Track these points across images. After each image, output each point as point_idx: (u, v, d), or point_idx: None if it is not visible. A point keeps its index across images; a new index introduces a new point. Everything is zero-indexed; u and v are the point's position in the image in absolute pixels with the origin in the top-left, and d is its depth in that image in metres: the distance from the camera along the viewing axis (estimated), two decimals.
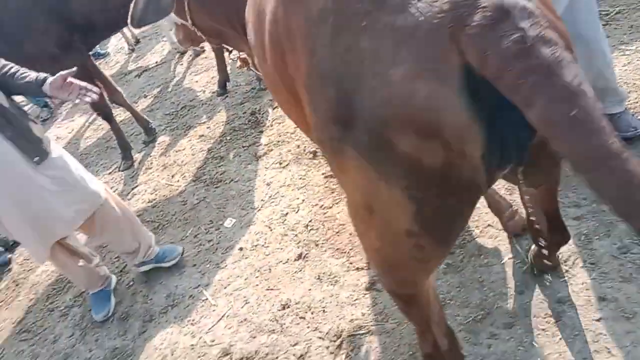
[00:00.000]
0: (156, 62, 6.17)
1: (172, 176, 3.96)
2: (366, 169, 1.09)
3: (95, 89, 2.47)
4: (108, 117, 4.17)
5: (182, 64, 5.78)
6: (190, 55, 5.77)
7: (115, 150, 4.67)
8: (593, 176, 0.83)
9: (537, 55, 0.82)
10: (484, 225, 2.49)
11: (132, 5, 2.32)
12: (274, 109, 4.12)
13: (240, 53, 2.79)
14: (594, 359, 1.86)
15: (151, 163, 4.26)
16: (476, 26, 0.87)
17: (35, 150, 2.45)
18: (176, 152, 4.24)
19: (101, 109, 4.10)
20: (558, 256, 2.18)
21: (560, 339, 1.96)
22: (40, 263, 2.82)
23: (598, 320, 1.96)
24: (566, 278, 2.14)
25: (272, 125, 3.96)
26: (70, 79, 2.39)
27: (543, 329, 2.02)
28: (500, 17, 0.86)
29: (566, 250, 2.22)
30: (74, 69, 2.38)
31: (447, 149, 0.98)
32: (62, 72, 2.36)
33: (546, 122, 0.83)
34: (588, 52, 2.25)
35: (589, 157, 0.82)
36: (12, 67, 2.49)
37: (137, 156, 4.44)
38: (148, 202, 3.80)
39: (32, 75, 2.45)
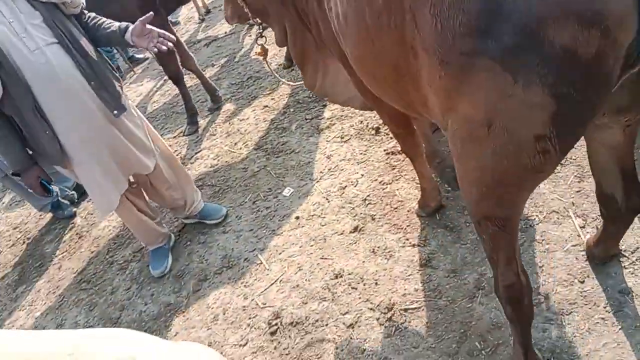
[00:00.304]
0: (225, 33, 6.27)
1: (235, 144, 4.05)
2: (500, 77, 1.15)
3: (171, 36, 2.57)
4: (179, 81, 4.29)
5: (250, 36, 5.86)
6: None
7: (180, 116, 4.82)
8: None
9: None
10: (548, 211, 2.43)
11: None
12: None
13: (260, 42, 2.79)
14: None
15: (215, 130, 4.36)
16: None
17: (115, 103, 2.57)
18: (240, 120, 4.32)
19: (173, 73, 4.23)
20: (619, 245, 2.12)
21: (620, 329, 1.91)
22: (107, 214, 2.93)
23: None
24: (632, 270, 2.07)
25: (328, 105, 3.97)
26: (149, 26, 2.49)
27: (602, 318, 1.96)
28: None
29: (634, 242, 2.15)
30: (151, 13, 2.48)
31: (604, 36, 1.05)
32: (140, 19, 2.47)
33: None
34: None
35: None
36: (99, 19, 2.64)
37: (201, 122, 4.55)
38: (210, 167, 3.90)
39: (115, 24, 2.59)
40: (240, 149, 3.97)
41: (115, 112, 2.57)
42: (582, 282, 2.11)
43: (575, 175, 2.53)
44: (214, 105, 4.67)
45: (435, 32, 1.23)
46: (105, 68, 2.59)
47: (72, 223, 4.06)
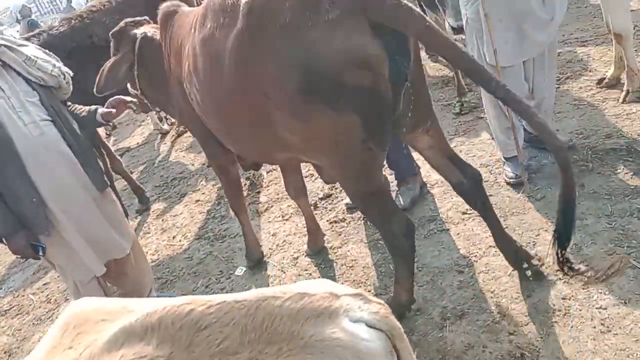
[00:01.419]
0: (137, 144, 6.43)
1: (173, 237, 4.12)
2: (328, 112, 1.94)
3: (130, 99, 2.93)
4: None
5: (165, 144, 6.07)
6: (173, 135, 6.08)
7: None
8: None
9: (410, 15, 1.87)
10: (486, 247, 2.82)
11: (97, 77, 3.01)
12: (268, 172, 4.43)
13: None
14: (603, 339, 2.16)
15: (149, 228, 4.40)
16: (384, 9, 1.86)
17: (99, 179, 2.72)
18: (173, 216, 4.42)
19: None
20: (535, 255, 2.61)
21: (572, 327, 2.25)
22: (89, 277, 2.83)
23: (599, 308, 2.28)
24: (565, 280, 2.47)
25: (268, 186, 4.24)
26: (115, 100, 2.84)
27: (555, 322, 2.30)
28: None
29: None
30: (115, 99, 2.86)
31: (374, 72, 1.89)
32: (110, 102, 2.83)
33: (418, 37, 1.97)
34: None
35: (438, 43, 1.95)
36: (73, 105, 2.85)
37: (131, 224, 4.55)
38: (151, 262, 3.89)
39: (84, 109, 2.83)
40: (180, 241, 4.04)
41: (101, 187, 2.71)
42: (530, 297, 2.46)
43: (500, 216, 2.98)
44: (142, 206, 4.72)
45: (283, 97, 1.99)
46: (90, 147, 2.78)
47: None
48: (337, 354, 0.96)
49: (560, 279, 2.49)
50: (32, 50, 2.57)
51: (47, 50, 2.70)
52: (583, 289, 2.40)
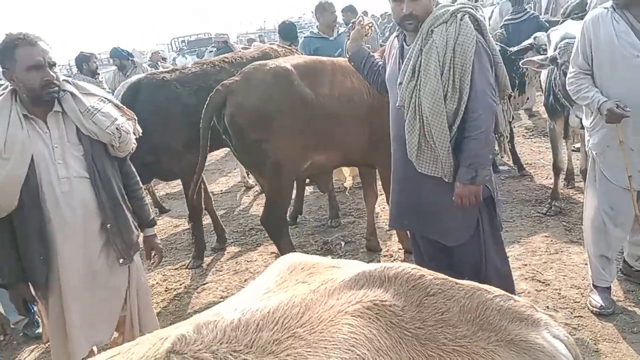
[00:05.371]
0: (221, 191, 6.67)
1: (245, 280, 4.16)
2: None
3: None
4: (197, 216, 4.50)
5: (248, 196, 6.27)
6: (257, 191, 6.29)
7: (179, 252, 4.92)
8: None
9: None
10: None
11: None
12: (345, 243, 4.49)
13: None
14: None
15: (221, 267, 4.48)
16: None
17: (125, 252, 2.49)
18: (247, 262, 4.49)
19: (195, 208, 4.46)
20: None
21: None
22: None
23: None
24: None
25: (344, 256, 4.27)
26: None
27: None
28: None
29: None
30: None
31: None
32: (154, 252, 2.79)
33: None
34: None
35: None
36: (138, 188, 2.70)
37: (205, 259, 4.65)
38: (220, 298, 3.93)
39: (146, 210, 2.72)
40: None
41: (121, 260, 2.49)
42: None
43: (591, 339, 2.87)
44: (219, 246, 4.84)
45: None
46: (129, 216, 2.56)
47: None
48: (538, 357, 1.04)
49: None
50: (95, 101, 2.44)
51: (120, 104, 2.61)
52: None
